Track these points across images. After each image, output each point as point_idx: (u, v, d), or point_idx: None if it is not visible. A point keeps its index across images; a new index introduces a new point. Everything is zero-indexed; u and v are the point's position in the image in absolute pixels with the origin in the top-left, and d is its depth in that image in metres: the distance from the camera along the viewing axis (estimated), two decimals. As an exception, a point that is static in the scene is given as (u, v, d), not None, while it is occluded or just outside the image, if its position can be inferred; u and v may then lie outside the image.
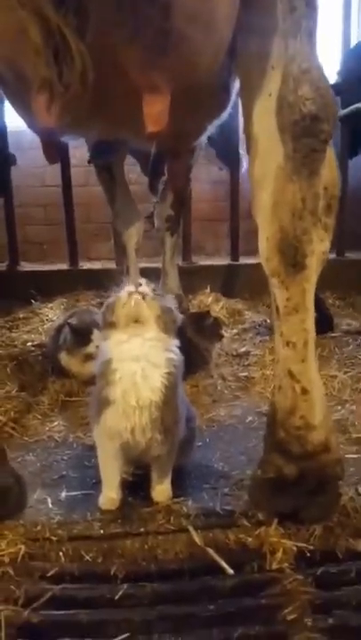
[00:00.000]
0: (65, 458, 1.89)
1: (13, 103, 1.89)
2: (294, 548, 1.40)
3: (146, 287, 1.52)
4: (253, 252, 4.13)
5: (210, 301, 3.66)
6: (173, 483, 1.60)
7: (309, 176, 1.35)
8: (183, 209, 3.40)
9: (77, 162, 3.95)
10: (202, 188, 4.75)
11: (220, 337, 2.71)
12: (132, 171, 3.59)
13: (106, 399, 1.45)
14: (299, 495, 1.47)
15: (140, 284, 1.53)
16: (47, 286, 3.92)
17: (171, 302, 1.56)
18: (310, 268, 1.39)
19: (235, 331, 3.23)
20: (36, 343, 2.92)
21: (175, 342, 1.52)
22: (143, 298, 1.49)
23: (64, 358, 2.51)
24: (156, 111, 1.39)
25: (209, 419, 2.14)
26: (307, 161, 1.34)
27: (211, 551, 1.40)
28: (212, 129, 2.14)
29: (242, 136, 3.56)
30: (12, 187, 4.03)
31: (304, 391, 1.43)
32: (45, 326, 3.29)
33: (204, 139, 2.31)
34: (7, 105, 3.70)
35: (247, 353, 2.81)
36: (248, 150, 1.48)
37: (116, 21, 1.24)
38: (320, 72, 1.35)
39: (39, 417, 2.19)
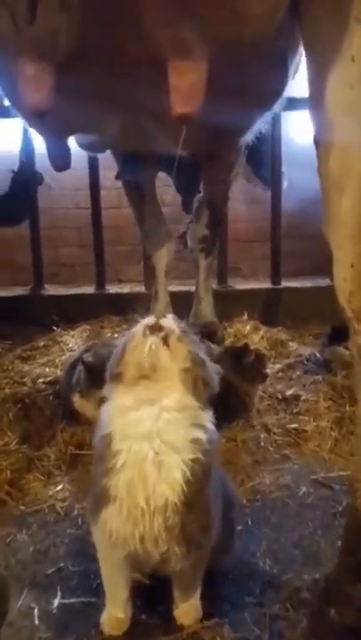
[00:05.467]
0: (65, 540, 1.53)
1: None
2: None
3: (172, 321, 1.11)
4: (295, 274, 3.70)
5: (248, 330, 3.19)
6: (203, 595, 1.18)
7: None
8: (219, 229, 3.04)
9: (110, 184, 3.68)
10: (237, 207, 4.43)
11: (265, 377, 2.28)
12: (166, 192, 3.30)
13: (105, 493, 1.01)
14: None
15: (164, 316, 1.12)
16: (71, 311, 3.58)
17: (203, 350, 1.13)
18: None
19: (278, 366, 2.76)
20: (48, 379, 2.53)
21: (209, 414, 1.08)
22: (165, 339, 1.07)
23: (77, 401, 2.14)
24: (186, 83, 0.98)
25: (251, 489, 1.71)
26: None
27: None
28: (261, 124, 1.63)
29: (286, 150, 3.19)
30: (39, 207, 3.76)
31: None
32: (64, 357, 2.92)
33: (249, 138, 1.79)
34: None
35: (296, 397, 2.35)
36: (316, 143, 1.06)
37: None
38: None
39: (41, 477, 1.82)
